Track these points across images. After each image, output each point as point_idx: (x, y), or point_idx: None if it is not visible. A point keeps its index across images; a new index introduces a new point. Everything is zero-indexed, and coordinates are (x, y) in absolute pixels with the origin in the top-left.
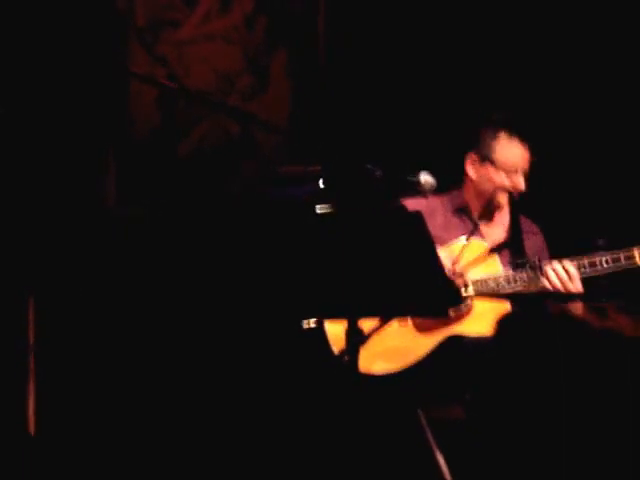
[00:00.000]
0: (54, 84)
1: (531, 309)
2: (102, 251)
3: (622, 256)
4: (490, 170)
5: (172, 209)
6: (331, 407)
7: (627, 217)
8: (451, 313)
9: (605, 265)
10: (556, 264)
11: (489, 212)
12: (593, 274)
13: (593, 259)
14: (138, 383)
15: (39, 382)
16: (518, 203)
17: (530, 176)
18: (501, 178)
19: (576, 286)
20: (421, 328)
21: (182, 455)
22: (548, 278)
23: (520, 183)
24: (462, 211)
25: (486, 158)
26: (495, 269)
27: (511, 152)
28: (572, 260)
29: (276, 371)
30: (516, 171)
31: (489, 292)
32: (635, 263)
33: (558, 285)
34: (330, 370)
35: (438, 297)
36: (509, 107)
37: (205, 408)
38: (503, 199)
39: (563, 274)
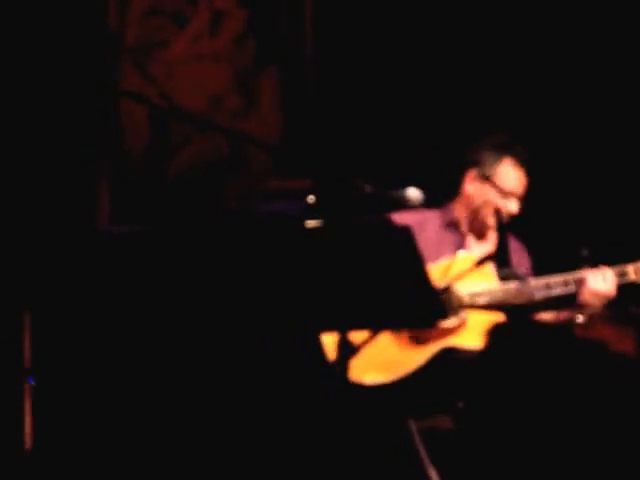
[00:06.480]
0: (46, 102)
1: (523, 321)
2: (95, 270)
3: (616, 273)
4: (489, 190)
5: (163, 227)
6: (322, 416)
7: (612, 230)
8: (445, 325)
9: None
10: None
11: (477, 229)
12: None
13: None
14: (134, 400)
15: (36, 398)
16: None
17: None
18: (497, 199)
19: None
20: (415, 340)
21: (176, 468)
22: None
23: (514, 208)
24: (452, 226)
25: (487, 178)
26: (490, 281)
27: (512, 177)
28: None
29: (268, 380)
30: (512, 195)
31: (483, 304)
32: (630, 279)
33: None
34: (322, 379)
35: (427, 310)
36: (495, 122)
37: (195, 418)
38: (492, 220)
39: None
